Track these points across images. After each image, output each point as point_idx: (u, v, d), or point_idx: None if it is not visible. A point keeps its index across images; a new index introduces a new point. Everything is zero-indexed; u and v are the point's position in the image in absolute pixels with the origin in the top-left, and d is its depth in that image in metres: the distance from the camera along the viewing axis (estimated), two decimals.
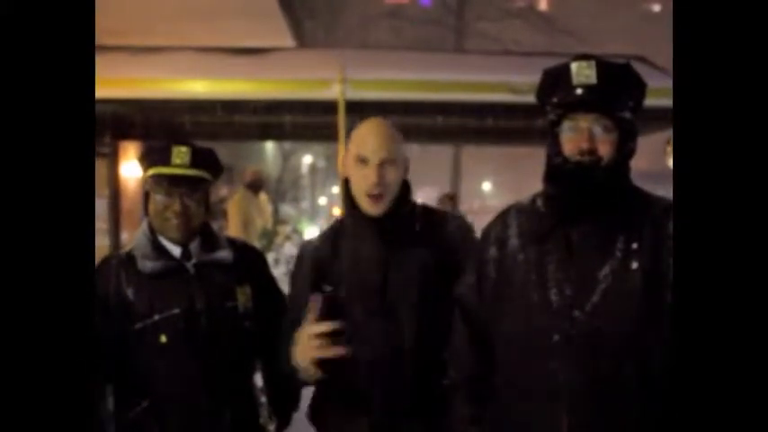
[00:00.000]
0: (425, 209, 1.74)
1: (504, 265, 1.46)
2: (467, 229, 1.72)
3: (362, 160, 1.61)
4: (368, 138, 1.63)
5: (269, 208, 7.11)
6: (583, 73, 1.35)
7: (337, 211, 9.21)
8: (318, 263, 1.68)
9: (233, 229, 6.29)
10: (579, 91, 1.34)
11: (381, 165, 1.60)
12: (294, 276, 1.77)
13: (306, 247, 1.77)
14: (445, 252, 1.63)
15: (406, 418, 1.58)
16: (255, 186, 6.74)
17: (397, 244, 1.62)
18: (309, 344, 1.45)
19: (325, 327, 1.44)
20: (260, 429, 1.83)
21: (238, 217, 6.36)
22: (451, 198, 7.00)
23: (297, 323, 1.53)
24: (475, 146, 17.05)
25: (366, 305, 1.60)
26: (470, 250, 1.59)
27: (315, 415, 1.73)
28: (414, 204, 1.71)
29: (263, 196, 7.04)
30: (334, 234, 1.72)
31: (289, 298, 1.79)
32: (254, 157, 13.87)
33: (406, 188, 1.67)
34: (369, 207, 1.61)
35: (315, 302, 1.46)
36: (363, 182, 1.60)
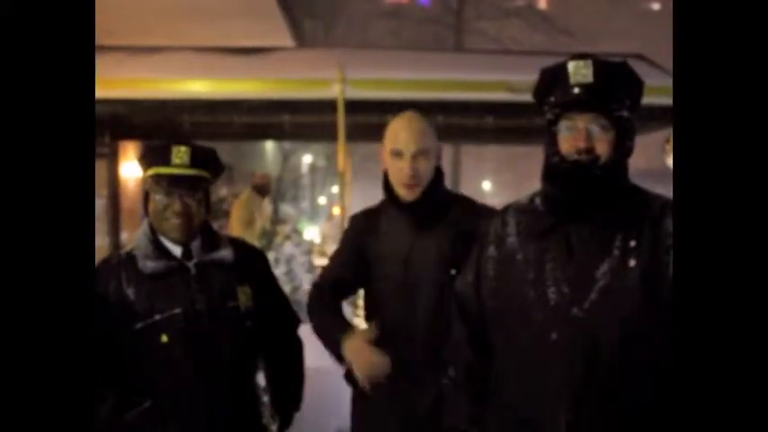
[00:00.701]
0: (463, 199, 1.90)
1: (502, 263, 1.46)
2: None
3: (397, 153, 1.78)
4: (401, 132, 1.80)
5: (269, 210, 7.14)
6: (580, 72, 1.35)
7: (337, 211, 9.20)
8: (361, 235, 1.92)
9: (235, 228, 6.30)
10: (576, 90, 1.35)
11: (414, 157, 1.76)
12: (342, 240, 2.03)
13: (353, 220, 2.01)
14: (464, 239, 1.71)
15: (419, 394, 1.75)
16: (263, 190, 6.80)
17: (426, 227, 1.80)
18: (357, 359, 1.73)
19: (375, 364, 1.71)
20: (262, 429, 1.84)
21: (242, 217, 6.36)
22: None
23: (334, 282, 1.92)
24: (474, 145, 17.06)
25: (391, 281, 1.81)
26: None
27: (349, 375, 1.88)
28: (448, 192, 1.88)
29: (266, 199, 7.09)
30: (376, 213, 1.93)
31: (331, 255, 2.05)
32: (253, 156, 13.88)
33: (438, 175, 1.84)
34: (405, 194, 1.80)
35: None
36: (399, 173, 1.78)
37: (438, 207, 1.81)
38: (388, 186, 1.84)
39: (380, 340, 1.74)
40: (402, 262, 1.79)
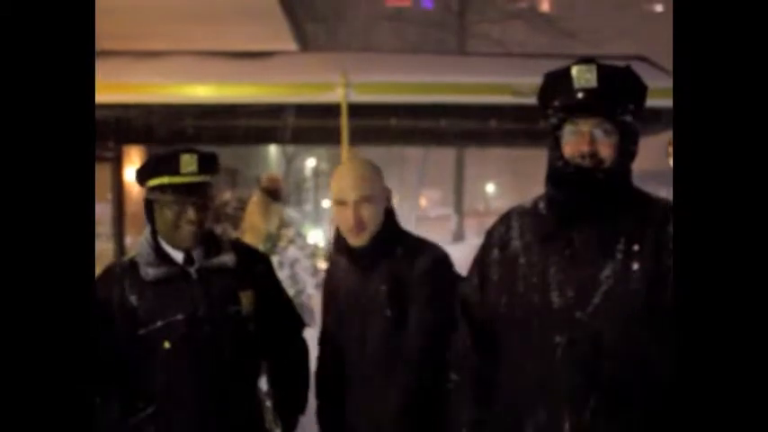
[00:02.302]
0: (412, 239, 1.85)
1: (506, 267, 1.46)
2: (440, 258, 1.79)
3: (340, 202, 1.76)
4: (342, 180, 1.77)
5: (282, 214, 7.08)
6: (583, 77, 1.35)
7: None
8: (325, 288, 1.96)
9: (248, 235, 6.26)
10: (580, 95, 1.34)
11: (357, 204, 1.73)
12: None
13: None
14: (408, 282, 1.74)
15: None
16: (273, 193, 6.71)
17: (369, 270, 1.78)
18: None
19: None
20: None
21: (254, 223, 6.33)
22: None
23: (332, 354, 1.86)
24: (478, 148, 17.05)
25: (345, 322, 1.82)
26: (440, 279, 1.74)
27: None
28: (400, 233, 1.84)
29: (277, 203, 7.01)
30: (334, 261, 1.94)
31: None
32: (257, 160, 13.90)
33: (389, 218, 1.81)
34: (352, 240, 1.77)
35: None
36: (345, 221, 1.76)
37: (383, 250, 1.78)
38: (338, 232, 1.83)
39: (338, 380, 1.81)
40: (352, 307, 1.80)
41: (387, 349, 1.72)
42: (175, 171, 1.68)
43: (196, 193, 1.70)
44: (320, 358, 1.94)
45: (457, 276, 1.77)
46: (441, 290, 1.70)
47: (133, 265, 1.73)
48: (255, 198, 6.64)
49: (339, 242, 1.84)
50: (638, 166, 1.45)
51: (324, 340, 1.92)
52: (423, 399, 1.65)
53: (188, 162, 1.68)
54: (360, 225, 1.73)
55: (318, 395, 1.91)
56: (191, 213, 1.68)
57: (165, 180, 1.68)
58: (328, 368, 1.88)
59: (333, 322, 1.87)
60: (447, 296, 1.65)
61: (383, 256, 1.77)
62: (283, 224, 6.58)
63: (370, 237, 1.76)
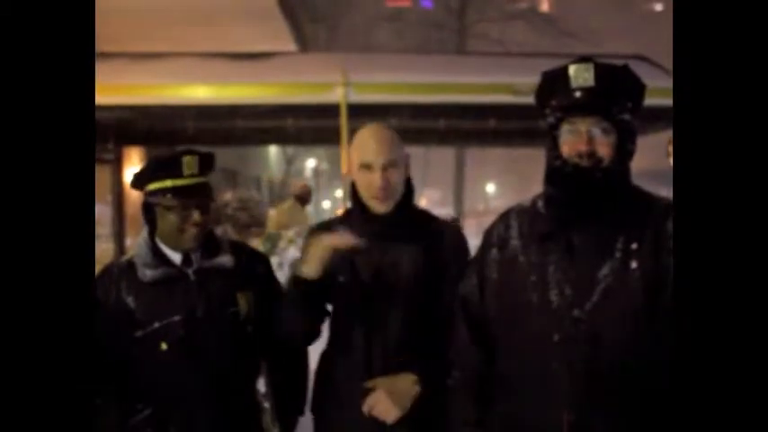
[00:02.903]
0: (426, 213, 1.82)
1: (505, 266, 1.46)
2: (460, 238, 1.78)
3: (366, 166, 1.68)
4: (369, 144, 1.69)
5: (308, 219, 7.18)
6: (581, 76, 1.35)
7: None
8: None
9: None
10: (578, 94, 1.34)
11: (385, 169, 1.67)
12: None
13: (311, 234, 1.81)
14: (436, 254, 1.71)
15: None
16: (304, 199, 6.89)
17: (398, 240, 1.71)
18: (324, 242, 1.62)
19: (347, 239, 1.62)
20: None
21: (281, 224, 6.38)
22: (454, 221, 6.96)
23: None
24: (478, 148, 17.06)
25: (361, 293, 1.71)
26: (460, 257, 1.71)
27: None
28: (415, 206, 1.80)
29: (305, 208, 7.14)
30: (336, 226, 1.80)
31: None
32: (257, 161, 13.91)
33: (408, 187, 1.76)
34: (376, 206, 1.70)
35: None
36: (370, 186, 1.68)
37: (410, 220, 1.73)
38: (356, 198, 1.74)
39: (352, 356, 1.69)
40: (372, 275, 1.70)
41: (411, 321, 1.67)
42: (178, 174, 1.67)
43: (198, 195, 1.69)
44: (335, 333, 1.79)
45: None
46: (465, 261, 1.69)
47: (131, 266, 1.73)
48: (288, 204, 6.73)
49: (354, 214, 1.75)
50: (638, 165, 1.45)
51: (336, 319, 1.78)
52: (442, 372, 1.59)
53: (190, 164, 1.68)
54: (386, 189, 1.66)
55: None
56: (196, 216, 1.67)
57: (167, 183, 1.67)
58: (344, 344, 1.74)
59: (345, 299, 1.73)
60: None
61: (409, 226, 1.71)
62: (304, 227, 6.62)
63: (395, 204, 1.70)
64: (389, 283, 1.69)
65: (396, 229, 1.70)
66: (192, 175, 1.68)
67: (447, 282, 1.67)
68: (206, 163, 1.72)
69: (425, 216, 1.80)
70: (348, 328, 1.72)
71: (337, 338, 1.78)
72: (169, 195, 1.67)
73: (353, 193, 1.75)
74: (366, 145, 1.69)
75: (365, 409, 1.63)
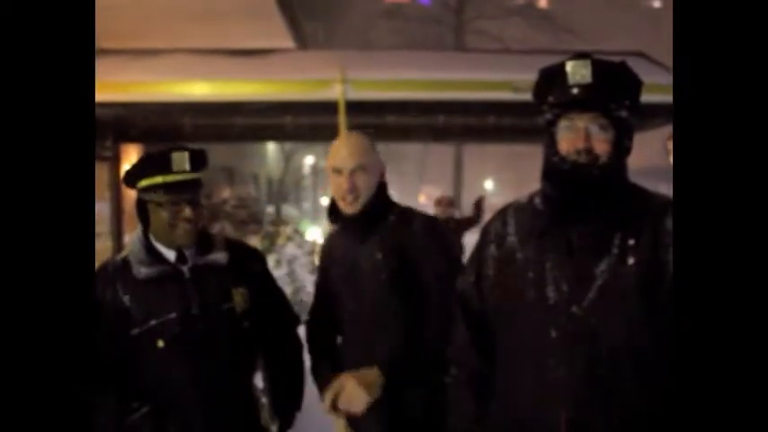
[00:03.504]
0: (402, 208, 1.94)
1: (502, 262, 1.46)
2: (431, 224, 1.91)
3: (336, 170, 1.85)
4: (339, 150, 1.87)
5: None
6: (578, 72, 1.34)
7: None
8: (326, 256, 2.04)
9: None
10: (575, 90, 1.34)
11: (352, 173, 1.83)
12: (318, 267, 2.13)
13: (323, 242, 2.11)
14: (407, 245, 1.83)
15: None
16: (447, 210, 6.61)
17: (364, 239, 1.87)
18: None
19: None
20: (261, 431, 1.83)
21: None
22: (450, 202, 6.87)
23: (322, 315, 2.00)
24: (476, 144, 17.06)
25: (342, 293, 1.91)
26: (433, 242, 1.85)
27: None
28: (392, 204, 1.93)
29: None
30: (334, 232, 2.03)
31: (315, 283, 2.12)
32: (255, 158, 13.90)
33: (381, 189, 1.91)
34: (345, 208, 1.86)
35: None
36: (339, 189, 1.85)
37: (375, 218, 1.86)
38: (333, 203, 1.91)
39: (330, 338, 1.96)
40: (347, 273, 1.89)
41: (381, 313, 1.82)
42: (168, 170, 1.67)
43: (190, 191, 1.69)
44: (313, 315, 2.04)
45: (449, 234, 1.95)
46: (443, 242, 1.87)
47: (125, 264, 1.73)
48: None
49: (333, 212, 1.93)
50: (636, 162, 1.45)
51: (317, 301, 2.03)
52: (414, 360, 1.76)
53: (180, 160, 1.68)
54: (353, 192, 1.82)
55: (312, 352, 1.99)
56: (187, 211, 1.68)
57: (157, 180, 1.68)
58: (321, 325, 1.99)
59: (326, 287, 1.98)
60: (450, 247, 1.88)
61: (375, 224, 1.86)
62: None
63: (362, 205, 1.84)
64: (361, 280, 1.85)
65: (361, 229, 1.87)
66: (182, 171, 1.68)
67: (421, 272, 1.80)
68: (197, 159, 1.72)
69: (395, 211, 1.91)
70: (325, 325, 1.97)
71: (319, 308, 2.03)
72: (159, 191, 1.68)
73: (331, 200, 1.93)
74: (337, 151, 1.87)
75: (328, 397, 1.76)
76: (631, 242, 1.34)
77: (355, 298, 1.87)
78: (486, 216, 1.72)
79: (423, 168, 25.05)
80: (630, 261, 1.33)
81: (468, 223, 6.59)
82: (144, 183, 1.70)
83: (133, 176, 1.73)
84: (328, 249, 2.02)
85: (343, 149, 1.85)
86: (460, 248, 6.70)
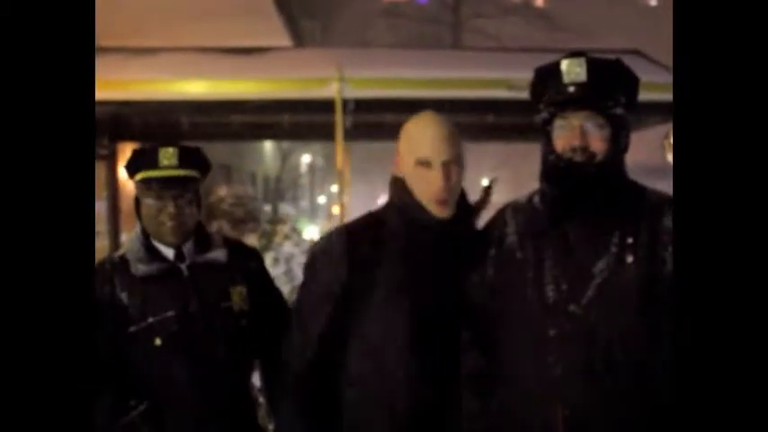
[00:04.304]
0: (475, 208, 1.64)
1: (502, 262, 1.46)
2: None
3: (424, 163, 1.45)
4: (428, 136, 1.46)
5: None
6: (573, 70, 1.35)
7: (337, 210, 9.18)
8: (353, 269, 1.47)
9: None
10: (570, 89, 1.35)
11: (446, 166, 1.45)
12: (308, 291, 1.56)
13: (345, 244, 1.50)
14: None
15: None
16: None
17: (461, 249, 1.50)
18: None
19: None
20: (259, 430, 1.83)
21: None
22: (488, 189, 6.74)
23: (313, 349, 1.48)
24: (474, 142, 17.04)
25: (415, 318, 1.44)
26: None
27: None
28: (471, 205, 1.58)
29: None
30: (376, 233, 1.50)
31: (301, 309, 1.60)
32: (252, 156, 13.88)
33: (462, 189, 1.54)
34: (437, 211, 1.45)
35: None
36: (429, 186, 1.44)
37: (470, 223, 1.53)
38: (410, 201, 1.47)
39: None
40: (430, 295, 1.46)
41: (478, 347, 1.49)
42: (154, 165, 1.68)
43: (177, 187, 1.68)
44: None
45: None
46: None
47: (123, 261, 1.73)
48: None
49: (404, 219, 1.48)
50: (633, 160, 1.45)
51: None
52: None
53: (166, 155, 1.68)
54: (449, 191, 1.44)
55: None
56: (170, 207, 1.68)
57: (146, 174, 1.69)
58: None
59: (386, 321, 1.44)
60: None
61: (465, 233, 1.51)
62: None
63: (455, 208, 1.48)
64: (448, 303, 1.47)
65: (460, 238, 1.49)
66: (169, 167, 1.67)
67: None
68: (187, 156, 1.71)
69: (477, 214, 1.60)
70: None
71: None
72: (146, 186, 1.69)
73: (402, 196, 1.49)
74: (425, 138, 1.46)
75: None
76: (630, 240, 1.34)
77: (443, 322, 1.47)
78: (487, 215, 1.71)
79: None
80: (629, 259, 1.33)
81: (477, 208, 6.55)
82: (137, 177, 1.72)
83: (127, 170, 1.75)
84: (369, 260, 1.47)
85: (434, 136, 1.46)
86: None
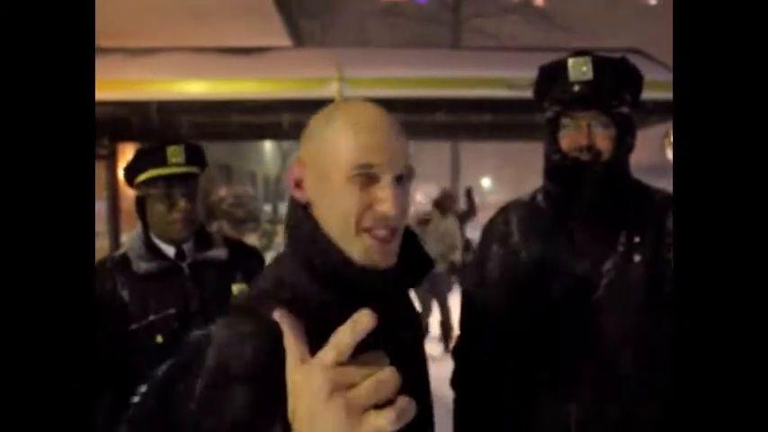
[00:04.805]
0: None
1: (505, 261, 1.46)
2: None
3: (365, 174, 0.91)
4: (373, 134, 0.91)
5: (457, 234, 6.26)
6: (579, 69, 1.35)
7: None
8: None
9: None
10: (576, 87, 1.34)
11: (398, 181, 0.93)
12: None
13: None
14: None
15: None
16: (443, 206, 6.43)
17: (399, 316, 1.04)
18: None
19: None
20: None
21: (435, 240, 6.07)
22: (450, 196, 6.87)
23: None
24: (473, 142, 17.06)
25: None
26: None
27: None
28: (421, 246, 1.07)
29: (450, 219, 6.36)
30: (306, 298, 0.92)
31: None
32: (252, 156, 13.88)
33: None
34: (377, 256, 0.91)
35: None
36: (366, 213, 0.91)
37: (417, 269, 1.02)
38: (321, 243, 0.92)
39: None
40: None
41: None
42: (163, 162, 1.69)
43: (185, 184, 1.71)
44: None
45: None
46: None
47: (124, 260, 1.74)
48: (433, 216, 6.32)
49: (338, 261, 0.91)
50: (633, 159, 1.45)
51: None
52: None
53: (174, 153, 1.70)
54: (397, 219, 0.92)
55: None
56: (181, 203, 1.70)
57: (153, 173, 1.70)
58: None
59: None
60: None
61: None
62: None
63: (396, 251, 0.94)
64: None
65: (398, 301, 1.03)
66: (177, 164, 1.70)
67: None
68: (193, 153, 1.73)
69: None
70: None
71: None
72: (155, 184, 1.70)
73: (314, 235, 0.94)
74: (365, 138, 0.90)
75: None
76: (637, 239, 1.34)
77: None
78: (486, 214, 1.71)
79: (419, 166, 25.06)
80: (637, 259, 1.33)
81: (467, 217, 6.61)
82: (141, 177, 1.72)
83: (131, 171, 1.75)
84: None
85: (380, 136, 0.92)
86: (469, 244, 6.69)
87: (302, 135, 0.97)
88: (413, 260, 0.98)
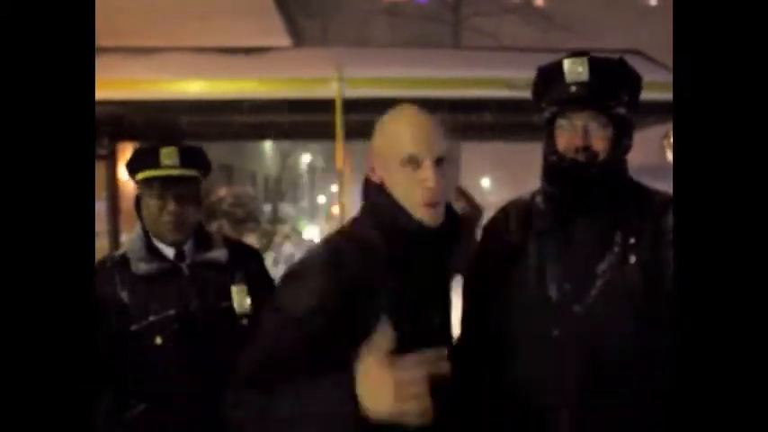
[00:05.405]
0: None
1: (504, 261, 1.46)
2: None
3: (412, 161, 1.23)
4: (415, 131, 1.24)
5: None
6: (575, 70, 1.34)
7: (336, 210, 9.17)
8: (352, 284, 1.19)
9: None
10: (573, 88, 1.34)
11: (437, 164, 1.24)
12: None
13: (336, 258, 1.24)
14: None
15: None
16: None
17: (455, 260, 1.38)
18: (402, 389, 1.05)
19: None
20: None
21: None
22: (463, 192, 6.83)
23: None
24: (473, 142, 17.07)
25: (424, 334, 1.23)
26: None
27: None
28: (457, 213, 1.38)
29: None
30: (366, 246, 1.26)
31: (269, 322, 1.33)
32: (252, 156, 13.89)
33: None
34: (426, 217, 1.23)
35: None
36: (416, 188, 1.23)
37: (457, 230, 1.33)
38: (392, 208, 1.25)
39: None
40: (432, 311, 1.31)
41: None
42: (155, 164, 1.69)
43: (177, 187, 1.70)
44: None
45: None
46: None
47: (124, 260, 1.74)
48: None
49: (389, 230, 1.25)
50: (632, 160, 1.45)
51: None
52: None
53: (167, 155, 1.69)
54: (440, 193, 1.24)
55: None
56: (171, 206, 1.69)
57: (147, 174, 1.70)
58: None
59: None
60: None
61: (456, 240, 1.33)
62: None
63: (443, 214, 1.28)
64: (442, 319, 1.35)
65: (449, 247, 1.32)
66: (170, 166, 1.69)
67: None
68: (189, 156, 1.72)
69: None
70: None
71: None
72: (147, 185, 1.70)
73: (380, 202, 1.27)
74: (410, 133, 1.24)
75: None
76: (633, 240, 1.34)
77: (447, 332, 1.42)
78: (487, 215, 1.71)
79: None
80: (632, 259, 1.33)
81: (474, 218, 6.60)
82: (138, 176, 1.73)
83: (128, 170, 1.76)
84: (363, 276, 1.20)
85: (421, 131, 1.24)
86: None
87: (373, 131, 1.32)
88: (453, 225, 1.32)
